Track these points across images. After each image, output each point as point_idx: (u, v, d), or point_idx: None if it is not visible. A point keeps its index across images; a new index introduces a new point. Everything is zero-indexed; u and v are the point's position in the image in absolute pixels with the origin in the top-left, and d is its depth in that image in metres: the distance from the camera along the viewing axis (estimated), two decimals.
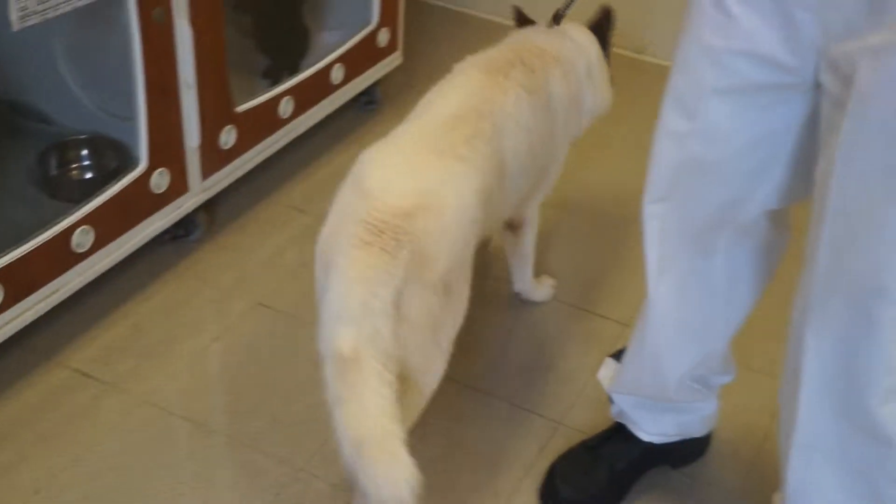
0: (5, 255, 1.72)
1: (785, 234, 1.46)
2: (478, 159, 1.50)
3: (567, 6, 1.82)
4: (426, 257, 1.36)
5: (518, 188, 1.71)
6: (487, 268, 2.15)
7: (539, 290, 2.08)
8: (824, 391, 1.28)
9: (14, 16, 1.60)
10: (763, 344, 1.77)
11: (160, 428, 1.75)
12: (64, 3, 1.69)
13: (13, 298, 1.75)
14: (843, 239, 1.21)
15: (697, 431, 1.69)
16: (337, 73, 2.51)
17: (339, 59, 2.51)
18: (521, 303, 2.11)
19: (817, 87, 1.21)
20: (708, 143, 1.32)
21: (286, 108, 2.35)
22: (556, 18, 1.84)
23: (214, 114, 2.13)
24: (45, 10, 1.65)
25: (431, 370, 1.46)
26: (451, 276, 1.40)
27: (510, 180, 1.63)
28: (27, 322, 1.80)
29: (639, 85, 2.46)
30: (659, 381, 1.57)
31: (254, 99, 2.27)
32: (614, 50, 1.99)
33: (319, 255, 1.42)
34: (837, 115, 1.17)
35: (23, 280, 1.77)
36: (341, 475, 1.63)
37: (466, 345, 1.91)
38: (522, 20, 1.93)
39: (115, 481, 1.67)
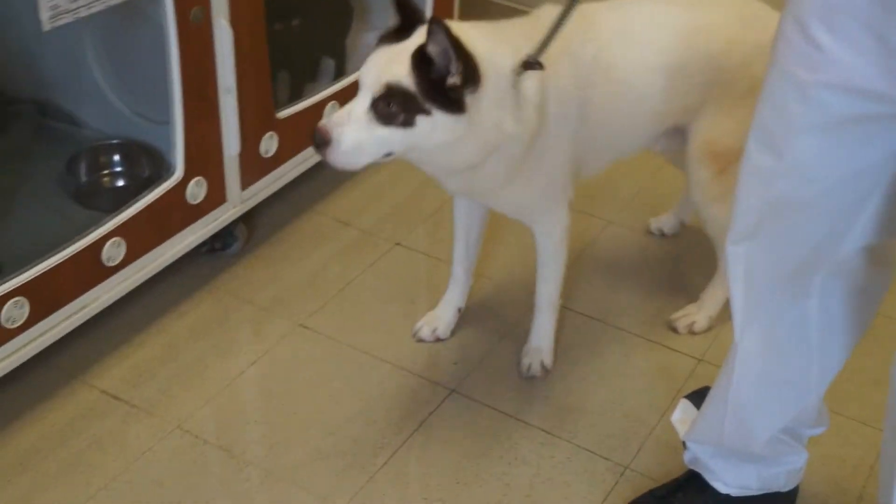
0: (31, 267, 1.69)
1: (885, 271, 1.39)
2: None
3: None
4: None
5: None
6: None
7: None
8: None
9: (44, 15, 1.58)
10: (861, 388, 1.68)
11: (192, 457, 1.70)
12: (96, 1, 1.66)
13: (39, 314, 1.74)
14: None
15: (782, 486, 1.60)
16: None
17: None
18: (585, 333, 2.04)
19: None
20: (798, 181, 1.28)
21: (332, 113, 2.23)
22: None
23: (255, 120, 2.11)
24: (76, 8, 1.62)
25: None
26: None
27: None
28: (53, 340, 1.78)
29: None
30: (743, 436, 1.51)
31: (297, 104, 2.24)
32: None
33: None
34: None
35: (49, 295, 1.75)
36: None
37: (523, 379, 1.95)
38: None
39: None
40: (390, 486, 1.70)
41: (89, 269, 1.82)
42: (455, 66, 1.46)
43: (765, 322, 1.42)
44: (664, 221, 2.28)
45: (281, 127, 2.18)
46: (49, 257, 1.73)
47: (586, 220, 2.22)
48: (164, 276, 1.99)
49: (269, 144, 2.16)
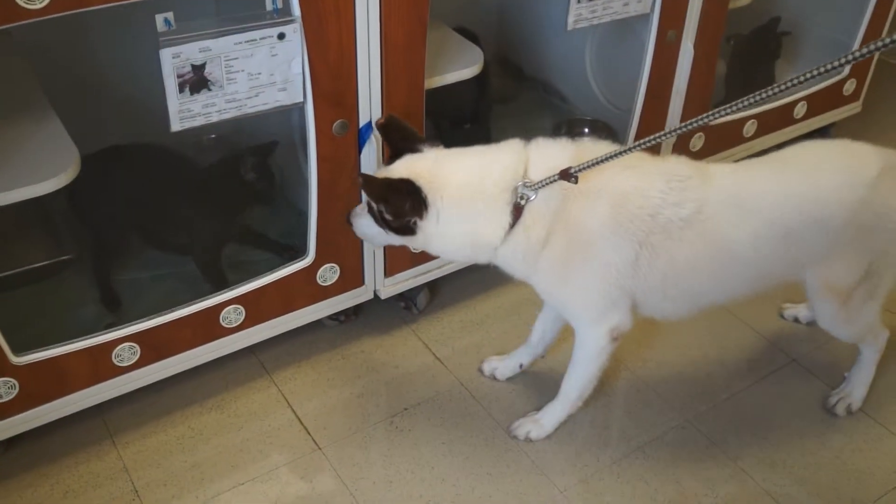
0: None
1: None
2: None
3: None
4: None
5: None
6: None
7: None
8: None
9: (570, 19, 1.97)
10: None
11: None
12: (607, 14, 2.01)
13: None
14: None
15: None
16: (800, 109, 2.67)
17: (805, 98, 2.65)
18: None
19: None
20: None
21: (750, 128, 2.56)
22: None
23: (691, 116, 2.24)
24: (591, 17, 2.00)
25: None
26: None
27: None
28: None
29: None
30: None
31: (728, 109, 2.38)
32: None
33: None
34: None
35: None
36: None
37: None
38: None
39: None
40: None
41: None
42: (381, 207, 1.58)
43: None
44: None
45: (709, 131, 2.40)
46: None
47: None
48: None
49: (696, 142, 2.38)
